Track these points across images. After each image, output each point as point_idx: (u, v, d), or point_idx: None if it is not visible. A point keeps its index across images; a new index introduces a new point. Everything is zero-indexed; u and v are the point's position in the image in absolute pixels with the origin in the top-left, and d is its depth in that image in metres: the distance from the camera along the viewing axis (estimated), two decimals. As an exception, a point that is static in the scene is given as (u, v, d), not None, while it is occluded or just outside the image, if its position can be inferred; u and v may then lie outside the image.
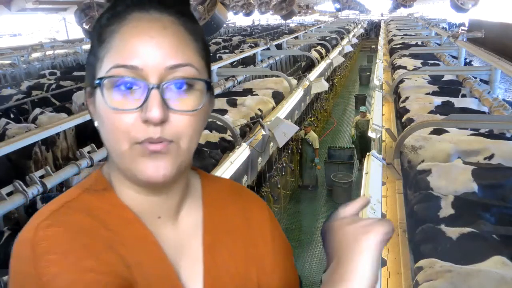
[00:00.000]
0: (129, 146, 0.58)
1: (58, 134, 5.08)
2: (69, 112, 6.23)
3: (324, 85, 6.61)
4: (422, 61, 7.17)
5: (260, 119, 4.45)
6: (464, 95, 4.91)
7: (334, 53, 10.07)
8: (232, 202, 0.77)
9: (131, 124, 0.57)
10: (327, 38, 12.89)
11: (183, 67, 0.59)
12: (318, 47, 11.40)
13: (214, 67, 6.01)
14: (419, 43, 10.19)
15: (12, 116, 6.17)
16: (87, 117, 4.05)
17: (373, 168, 2.45)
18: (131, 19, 0.59)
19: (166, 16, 0.60)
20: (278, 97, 5.80)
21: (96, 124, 0.63)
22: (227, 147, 3.78)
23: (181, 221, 0.70)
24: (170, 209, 0.69)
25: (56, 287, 0.53)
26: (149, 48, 0.57)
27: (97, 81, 0.58)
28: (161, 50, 0.58)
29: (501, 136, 3.29)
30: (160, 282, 0.63)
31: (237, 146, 3.59)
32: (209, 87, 0.63)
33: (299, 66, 11.83)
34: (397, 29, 14.94)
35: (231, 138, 3.83)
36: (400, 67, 6.78)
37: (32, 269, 0.54)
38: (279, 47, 10.27)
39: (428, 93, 4.90)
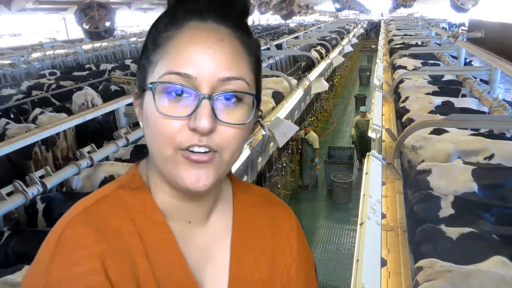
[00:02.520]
0: (173, 151, 0.58)
1: (58, 134, 5.09)
2: (69, 112, 6.22)
3: (324, 85, 6.61)
4: (422, 61, 7.17)
5: (260, 119, 4.44)
6: (464, 95, 4.91)
7: (334, 53, 10.08)
8: (262, 210, 0.77)
9: (177, 130, 0.57)
10: (327, 38, 12.91)
11: (235, 81, 0.59)
12: (318, 47, 11.42)
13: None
14: (419, 43, 10.19)
15: (12, 116, 6.17)
16: (87, 117, 4.06)
17: (373, 168, 2.45)
18: (189, 27, 0.59)
19: (223, 27, 0.60)
20: (278, 97, 5.80)
21: (141, 125, 0.64)
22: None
23: (210, 227, 0.71)
24: (201, 215, 0.69)
25: None
26: (204, 58, 0.57)
27: (149, 85, 0.59)
28: (216, 61, 0.58)
29: (501, 136, 3.30)
30: None
31: (237, 146, 3.58)
32: (257, 102, 0.63)
33: (299, 66, 11.83)
34: (397, 29, 14.94)
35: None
36: (400, 67, 6.78)
37: (47, 264, 0.56)
38: (279, 47, 10.28)
39: (428, 93, 4.91)
